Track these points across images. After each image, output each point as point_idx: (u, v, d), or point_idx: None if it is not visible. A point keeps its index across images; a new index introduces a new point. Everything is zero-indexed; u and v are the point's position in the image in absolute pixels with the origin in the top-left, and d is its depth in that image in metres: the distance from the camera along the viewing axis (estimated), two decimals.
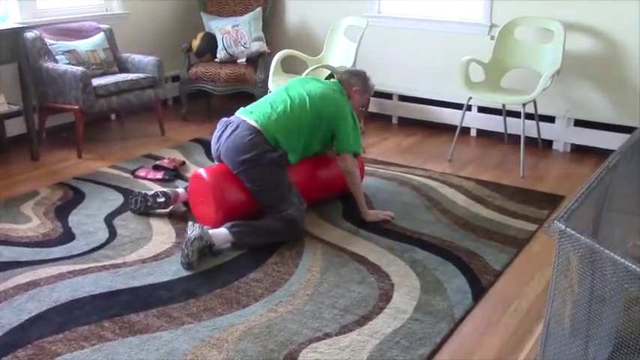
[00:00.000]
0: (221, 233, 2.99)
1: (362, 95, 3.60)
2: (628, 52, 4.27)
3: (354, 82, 3.55)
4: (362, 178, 3.55)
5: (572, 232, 1.46)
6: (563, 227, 1.47)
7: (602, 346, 1.77)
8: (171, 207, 3.42)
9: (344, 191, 3.53)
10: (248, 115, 3.25)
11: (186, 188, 3.43)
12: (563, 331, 1.74)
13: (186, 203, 3.43)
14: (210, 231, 2.96)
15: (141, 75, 4.59)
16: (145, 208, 3.36)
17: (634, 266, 1.29)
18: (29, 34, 4.33)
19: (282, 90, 3.40)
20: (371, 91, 3.71)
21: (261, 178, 3.13)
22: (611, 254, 1.36)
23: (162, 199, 3.35)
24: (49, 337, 2.34)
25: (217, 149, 3.27)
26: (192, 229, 2.89)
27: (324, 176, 3.52)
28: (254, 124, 3.18)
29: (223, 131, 3.25)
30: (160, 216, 3.38)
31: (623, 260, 1.32)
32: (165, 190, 3.42)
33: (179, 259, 2.89)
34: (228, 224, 3.03)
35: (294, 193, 3.17)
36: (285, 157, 3.19)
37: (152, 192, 3.38)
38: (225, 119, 3.32)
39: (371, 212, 3.40)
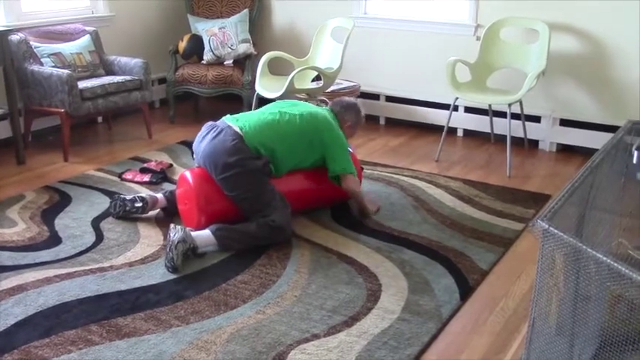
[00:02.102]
0: (203, 235, 2.98)
1: (354, 128, 3.62)
2: (612, 52, 4.31)
3: (347, 117, 3.55)
4: (360, 180, 3.57)
5: (556, 231, 1.47)
6: (547, 226, 1.48)
7: (587, 344, 1.79)
8: (150, 213, 3.38)
9: (334, 202, 3.54)
10: (234, 121, 3.22)
11: (165, 194, 3.42)
12: (548, 330, 1.76)
13: (165, 209, 3.41)
14: (193, 233, 2.95)
15: (127, 77, 4.57)
16: (123, 212, 3.33)
17: (616, 264, 1.31)
18: (14, 37, 4.30)
19: (273, 106, 3.39)
20: (362, 122, 3.70)
21: (244, 186, 3.08)
22: (594, 253, 1.37)
23: (139, 204, 3.32)
24: (35, 341, 2.33)
25: (198, 152, 3.22)
26: (175, 232, 2.88)
27: (316, 191, 3.47)
28: (238, 130, 3.15)
29: (206, 134, 3.21)
30: (147, 219, 3.37)
31: (605, 259, 1.33)
32: (143, 195, 3.38)
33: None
34: (212, 227, 3.02)
35: (278, 198, 3.14)
36: (267, 165, 3.15)
37: (130, 196, 3.36)
38: (210, 122, 3.29)
39: (369, 205, 3.46)
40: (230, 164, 3.07)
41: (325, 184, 3.42)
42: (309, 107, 3.41)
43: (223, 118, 3.30)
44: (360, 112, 3.64)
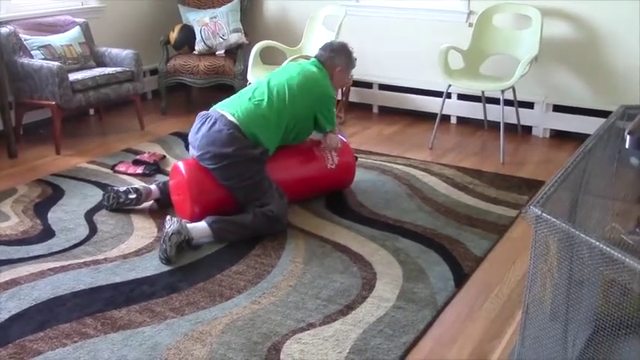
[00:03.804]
0: (200, 227, 2.97)
1: (345, 73, 3.51)
2: (605, 38, 4.30)
3: (337, 62, 3.43)
4: (352, 179, 3.58)
5: (548, 216, 1.47)
6: (539, 212, 1.48)
7: (581, 329, 1.79)
8: (144, 204, 3.37)
9: (329, 191, 3.53)
10: (226, 109, 3.17)
11: (158, 185, 3.40)
12: (542, 315, 1.76)
13: (158, 200, 3.39)
14: (189, 225, 2.94)
15: (118, 69, 4.54)
16: (117, 204, 3.32)
17: (609, 249, 1.31)
18: (3, 30, 4.27)
19: (262, 82, 3.32)
20: (354, 64, 3.57)
21: (241, 175, 3.07)
22: (587, 238, 1.37)
23: (133, 196, 3.31)
24: (30, 335, 2.32)
25: (194, 144, 3.18)
26: (170, 224, 2.87)
27: (311, 180, 3.46)
28: (232, 119, 3.11)
29: (201, 125, 3.17)
30: (141, 211, 3.36)
31: (598, 243, 1.33)
32: (136, 186, 3.37)
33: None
34: (209, 219, 3.01)
35: (274, 188, 3.13)
36: (265, 154, 3.14)
37: (124, 188, 3.34)
38: (203, 113, 3.24)
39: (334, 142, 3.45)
40: (227, 154, 3.04)
41: (320, 174, 3.42)
42: (297, 73, 3.31)
43: (214, 106, 3.26)
44: (350, 53, 3.50)
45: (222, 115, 3.13)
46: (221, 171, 3.08)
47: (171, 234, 2.83)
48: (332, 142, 3.43)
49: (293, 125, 3.25)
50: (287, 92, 3.22)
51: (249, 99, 3.20)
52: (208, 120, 3.15)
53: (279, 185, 3.17)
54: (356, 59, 3.58)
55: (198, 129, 3.17)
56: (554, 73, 4.53)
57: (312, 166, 3.43)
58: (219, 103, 3.29)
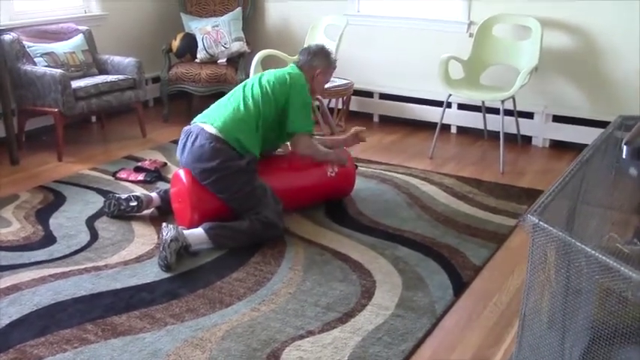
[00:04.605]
0: (196, 234, 2.98)
1: (326, 74, 3.47)
2: (604, 48, 4.33)
3: (316, 63, 3.39)
4: (352, 187, 3.59)
5: (546, 225, 1.48)
6: (537, 221, 1.50)
7: (578, 338, 1.80)
8: (145, 212, 3.38)
9: (329, 199, 3.55)
10: (206, 121, 3.16)
11: (159, 193, 3.42)
12: (539, 324, 1.77)
13: (159, 208, 3.41)
14: (186, 232, 2.96)
15: (121, 76, 4.57)
16: (118, 211, 3.33)
17: (605, 258, 1.32)
18: (6, 37, 4.30)
19: (238, 88, 3.31)
20: (335, 65, 3.51)
21: (232, 187, 3.07)
22: (584, 247, 1.39)
23: (134, 204, 3.32)
24: (30, 340, 2.33)
25: (182, 162, 3.19)
26: (167, 231, 2.88)
27: (311, 188, 3.47)
28: (212, 130, 3.09)
29: (185, 142, 3.16)
30: (142, 218, 3.37)
31: (594, 252, 1.35)
32: (138, 194, 3.38)
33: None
34: (205, 225, 3.02)
35: (269, 194, 3.12)
36: (254, 162, 3.13)
37: (125, 196, 3.35)
38: (186, 128, 3.23)
39: (337, 157, 3.46)
40: (212, 169, 3.05)
41: (320, 182, 3.43)
42: (272, 77, 3.27)
43: (195, 120, 3.25)
44: (329, 54, 3.46)
45: (202, 129, 3.12)
46: (212, 186, 3.09)
47: (170, 241, 2.84)
48: (340, 156, 3.44)
49: (272, 126, 3.22)
50: (260, 93, 3.19)
51: (226, 106, 3.20)
52: (190, 135, 3.15)
53: (278, 193, 3.18)
54: (336, 60, 3.53)
55: (184, 145, 3.17)
56: (554, 84, 4.56)
57: (312, 174, 3.44)
58: (200, 115, 3.27)
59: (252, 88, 3.24)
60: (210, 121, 3.15)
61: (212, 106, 3.30)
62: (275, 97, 3.22)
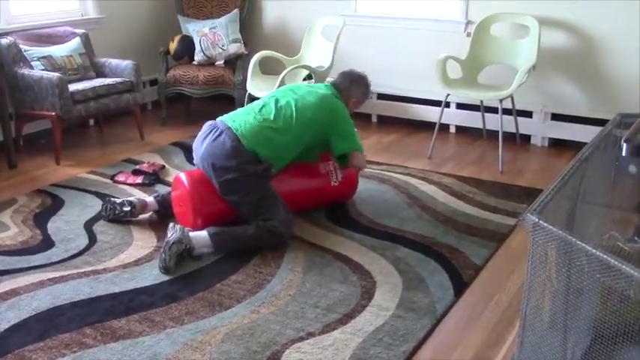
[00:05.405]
0: (201, 237, 2.97)
1: (359, 104, 3.53)
2: (602, 46, 4.32)
3: (354, 93, 3.43)
4: (354, 191, 3.57)
5: (545, 224, 1.47)
6: (536, 220, 1.49)
7: (580, 337, 1.79)
8: (141, 216, 3.36)
9: (331, 204, 3.53)
10: (231, 122, 3.14)
11: (156, 197, 3.40)
12: (541, 324, 1.76)
13: (157, 212, 3.40)
14: (191, 234, 2.94)
15: (118, 79, 4.56)
16: (113, 215, 3.32)
17: (606, 257, 1.31)
18: (3, 41, 4.29)
19: (270, 99, 3.26)
20: (370, 97, 3.54)
21: (243, 190, 3.04)
22: (584, 245, 1.38)
23: (127, 209, 3.30)
24: (29, 345, 2.32)
25: (198, 152, 3.15)
26: (173, 232, 2.88)
27: (313, 196, 3.45)
28: (236, 133, 3.07)
29: (207, 135, 3.13)
30: (140, 221, 3.36)
31: (595, 251, 1.34)
32: (131, 199, 3.35)
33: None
34: (210, 230, 3.00)
35: (280, 204, 3.08)
36: (269, 169, 3.10)
37: (119, 200, 3.34)
38: (212, 122, 3.20)
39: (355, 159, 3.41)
40: (229, 168, 3.02)
41: (323, 186, 3.41)
42: (309, 95, 3.25)
43: (221, 118, 3.22)
44: (368, 86, 3.48)
45: (229, 128, 3.10)
46: (223, 185, 3.05)
47: (172, 243, 2.83)
48: (360, 161, 3.39)
49: (299, 147, 3.20)
50: (295, 114, 3.15)
51: (255, 116, 3.15)
52: (215, 130, 3.12)
53: (283, 197, 3.15)
54: (371, 91, 3.58)
55: (204, 138, 3.14)
56: (553, 82, 4.55)
57: (316, 182, 3.42)
58: (226, 115, 3.25)
59: (286, 107, 3.18)
60: (235, 124, 3.12)
61: (239, 111, 3.26)
62: (320, 124, 3.20)
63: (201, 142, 3.15)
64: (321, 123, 3.21)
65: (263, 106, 3.22)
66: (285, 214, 3.08)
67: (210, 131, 3.14)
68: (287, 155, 3.18)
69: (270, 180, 3.12)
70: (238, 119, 3.16)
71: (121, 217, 3.32)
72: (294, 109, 3.17)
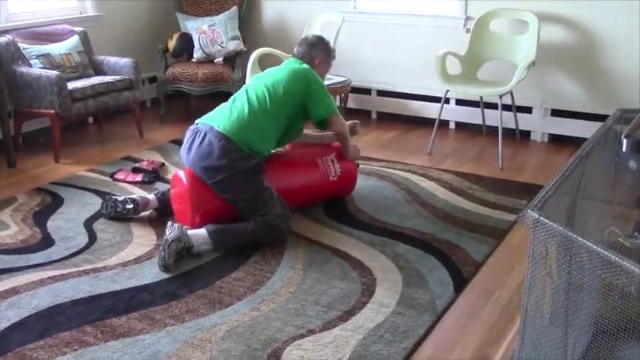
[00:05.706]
0: (199, 234, 2.96)
1: (325, 64, 3.47)
2: (602, 42, 4.32)
3: (315, 53, 3.39)
4: (353, 186, 3.57)
5: (546, 220, 1.47)
6: (537, 216, 1.48)
7: (581, 334, 1.79)
8: (142, 213, 3.36)
9: (329, 199, 3.53)
10: (211, 122, 3.13)
11: (157, 195, 3.40)
12: (542, 320, 1.76)
13: (157, 210, 3.39)
14: (190, 232, 2.94)
15: (117, 77, 4.55)
16: (114, 213, 3.31)
17: (607, 253, 1.31)
18: (2, 39, 4.28)
19: (240, 91, 3.27)
20: (334, 55, 3.51)
21: (237, 188, 3.04)
22: (585, 241, 1.38)
23: (130, 206, 3.29)
24: (30, 344, 2.32)
25: (188, 160, 3.14)
26: (171, 230, 2.87)
27: (311, 191, 3.45)
28: (221, 130, 3.06)
29: (192, 141, 3.12)
30: (140, 219, 3.36)
31: (595, 247, 1.33)
32: (134, 197, 3.35)
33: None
34: (209, 227, 2.99)
35: (276, 199, 3.09)
36: (261, 164, 3.10)
37: (122, 198, 3.33)
38: (193, 127, 3.19)
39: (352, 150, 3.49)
40: (220, 167, 3.02)
41: (322, 181, 3.41)
42: (276, 74, 3.26)
43: (199, 120, 3.21)
44: (327, 44, 3.47)
45: (211, 128, 3.09)
46: (217, 185, 3.05)
47: (171, 241, 2.83)
48: (354, 152, 3.47)
49: (281, 125, 3.19)
50: (267, 94, 3.16)
51: (231, 109, 3.16)
52: (198, 134, 3.11)
53: (280, 193, 3.15)
54: (334, 50, 3.54)
55: (190, 145, 3.13)
56: (552, 78, 4.54)
57: (314, 177, 3.42)
58: (203, 117, 3.23)
59: (256, 91, 3.19)
60: (215, 123, 3.11)
61: (214, 111, 3.26)
62: (295, 95, 3.19)
63: (188, 150, 3.14)
64: (295, 94, 3.20)
65: (235, 99, 3.23)
66: (282, 208, 3.09)
67: (194, 136, 3.13)
68: (270, 138, 3.16)
69: (263, 175, 3.12)
70: (217, 118, 3.15)
71: (124, 214, 3.31)
72: (265, 91, 3.17)
